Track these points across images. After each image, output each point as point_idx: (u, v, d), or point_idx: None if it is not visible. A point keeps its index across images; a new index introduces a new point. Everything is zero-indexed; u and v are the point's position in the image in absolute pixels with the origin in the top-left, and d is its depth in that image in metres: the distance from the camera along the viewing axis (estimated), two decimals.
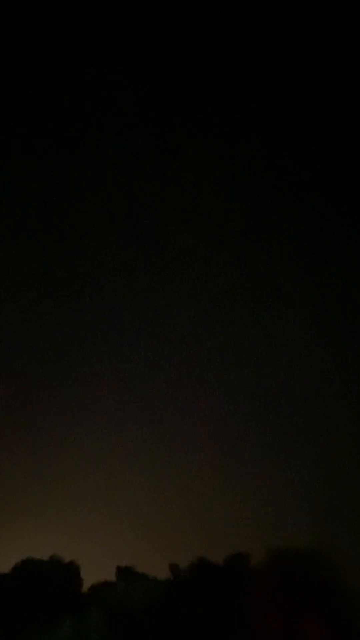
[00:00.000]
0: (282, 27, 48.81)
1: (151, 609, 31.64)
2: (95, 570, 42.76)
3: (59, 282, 54.65)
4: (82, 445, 55.24)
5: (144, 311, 60.65)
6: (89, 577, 39.06)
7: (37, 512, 49.73)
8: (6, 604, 34.13)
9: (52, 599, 34.06)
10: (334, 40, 48.43)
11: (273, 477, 47.87)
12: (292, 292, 60.33)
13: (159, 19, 50.63)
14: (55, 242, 59.62)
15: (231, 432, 54.61)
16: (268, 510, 44.89)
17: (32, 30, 48.59)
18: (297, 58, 50.72)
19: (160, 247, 58.38)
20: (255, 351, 56.83)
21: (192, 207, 59.23)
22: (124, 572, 38.30)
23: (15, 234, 56.66)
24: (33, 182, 58.06)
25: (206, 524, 47.63)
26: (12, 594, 34.82)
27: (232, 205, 60.25)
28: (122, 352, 58.23)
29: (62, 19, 49.79)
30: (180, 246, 57.12)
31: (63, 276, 55.31)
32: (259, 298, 60.66)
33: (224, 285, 59.70)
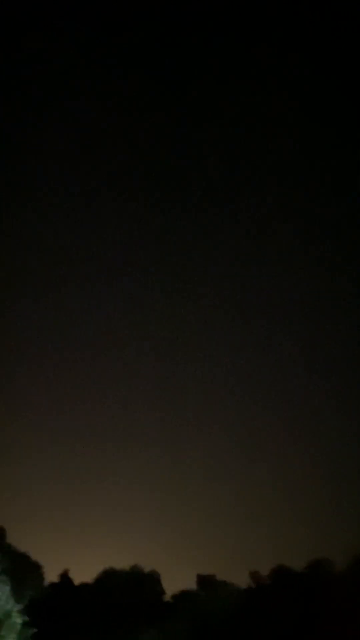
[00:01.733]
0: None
1: (233, 616, 31.39)
2: (176, 579, 42.92)
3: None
4: (161, 458, 55.73)
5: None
6: (170, 586, 39.33)
7: (118, 524, 50.53)
8: (91, 614, 34.66)
9: (135, 608, 34.33)
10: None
11: (353, 485, 46.74)
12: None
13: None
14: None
15: (309, 446, 53.85)
16: (348, 517, 43.78)
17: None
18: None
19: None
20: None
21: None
22: (205, 581, 38.21)
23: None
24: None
25: (286, 531, 46.91)
26: (96, 604, 35.33)
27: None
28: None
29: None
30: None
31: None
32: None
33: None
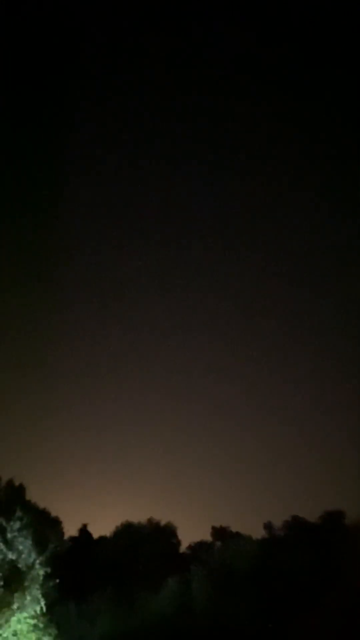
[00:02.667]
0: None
1: (248, 566, 32.26)
2: (191, 531, 44.02)
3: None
4: (176, 413, 56.71)
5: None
6: (186, 538, 40.39)
7: (134, 479, 51.65)
8: (110, 566, 35.73)
9: (152, 559, 35.36)
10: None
11: None
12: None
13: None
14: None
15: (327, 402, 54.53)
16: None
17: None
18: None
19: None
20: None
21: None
22: (219, 532, 39.16)
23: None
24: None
25: (300, 483, 47.81)
26: (114, 556, 36.38)
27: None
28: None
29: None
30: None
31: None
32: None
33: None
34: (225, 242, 62.00)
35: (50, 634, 31.44)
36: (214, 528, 38.70)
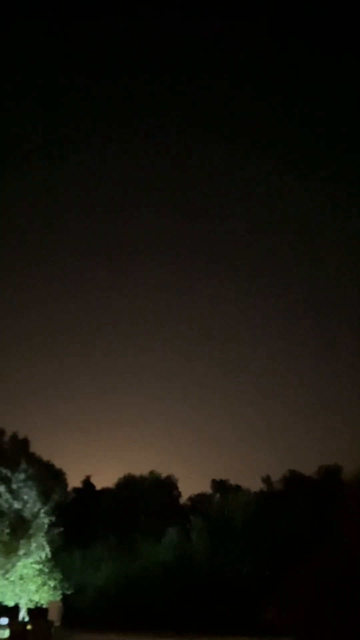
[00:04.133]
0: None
1: (246, 517, 33.09)
2: (191, 483, 44.91)
3: None
4: (177, 369, 57.19)
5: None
6: (186, 490, 41.27)
7: (136, 432, 52.47)
8: (112, 516, 36.66)
9: (154, 509, 36.27)
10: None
11: None
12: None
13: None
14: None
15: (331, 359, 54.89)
16: (357, 424, 45.06)
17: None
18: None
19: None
20: None
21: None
22: (219, 485, 39.98)
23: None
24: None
25: (298, 437, 48.58)
26: (117, 507, 37.30)
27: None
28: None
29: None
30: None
31: None
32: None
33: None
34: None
35: (55, 579, 32.75)
36: (213, 481, 39.40)
